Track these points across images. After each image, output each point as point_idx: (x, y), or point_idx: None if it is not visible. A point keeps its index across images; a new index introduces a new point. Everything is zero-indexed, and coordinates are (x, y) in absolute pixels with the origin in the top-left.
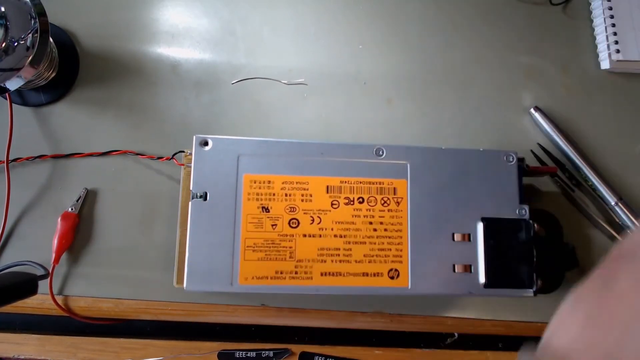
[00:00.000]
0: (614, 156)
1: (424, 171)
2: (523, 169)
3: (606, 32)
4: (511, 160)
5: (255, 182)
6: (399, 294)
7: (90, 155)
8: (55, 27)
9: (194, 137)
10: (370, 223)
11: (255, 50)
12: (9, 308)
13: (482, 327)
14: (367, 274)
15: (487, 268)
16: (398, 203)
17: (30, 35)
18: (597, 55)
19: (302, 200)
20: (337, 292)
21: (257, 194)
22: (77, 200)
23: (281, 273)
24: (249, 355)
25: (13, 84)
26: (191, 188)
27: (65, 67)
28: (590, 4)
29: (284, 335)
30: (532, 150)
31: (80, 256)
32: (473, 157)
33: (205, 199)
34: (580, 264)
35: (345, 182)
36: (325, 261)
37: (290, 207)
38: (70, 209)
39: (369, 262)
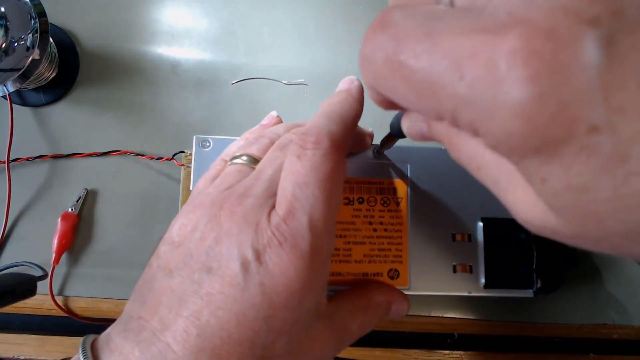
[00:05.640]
0: None
1: (424, 171)
2: None
3: None
4: None
5: None
6: None
7: (90, 155)
8: (55, 27)
9: (194, 137)
10: (370, 223)
11: (255, 50)
12: (8, 308)
13: (482, 327)
14: (367, 274)
15: (487, 268)
16: (398, 203)
17: (30, 35)
18: None
19: None
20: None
21: None
22: (77, 201)
23: None
24: None
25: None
26: (191, 189)
27: (65, 67)
28: None
29: None
30: None
31: (80, 256)
32: None
33: None
34: (580, 264)
35: (345, 182)
36: None
37: None
38: (70, 209)
39: (368, 262)
